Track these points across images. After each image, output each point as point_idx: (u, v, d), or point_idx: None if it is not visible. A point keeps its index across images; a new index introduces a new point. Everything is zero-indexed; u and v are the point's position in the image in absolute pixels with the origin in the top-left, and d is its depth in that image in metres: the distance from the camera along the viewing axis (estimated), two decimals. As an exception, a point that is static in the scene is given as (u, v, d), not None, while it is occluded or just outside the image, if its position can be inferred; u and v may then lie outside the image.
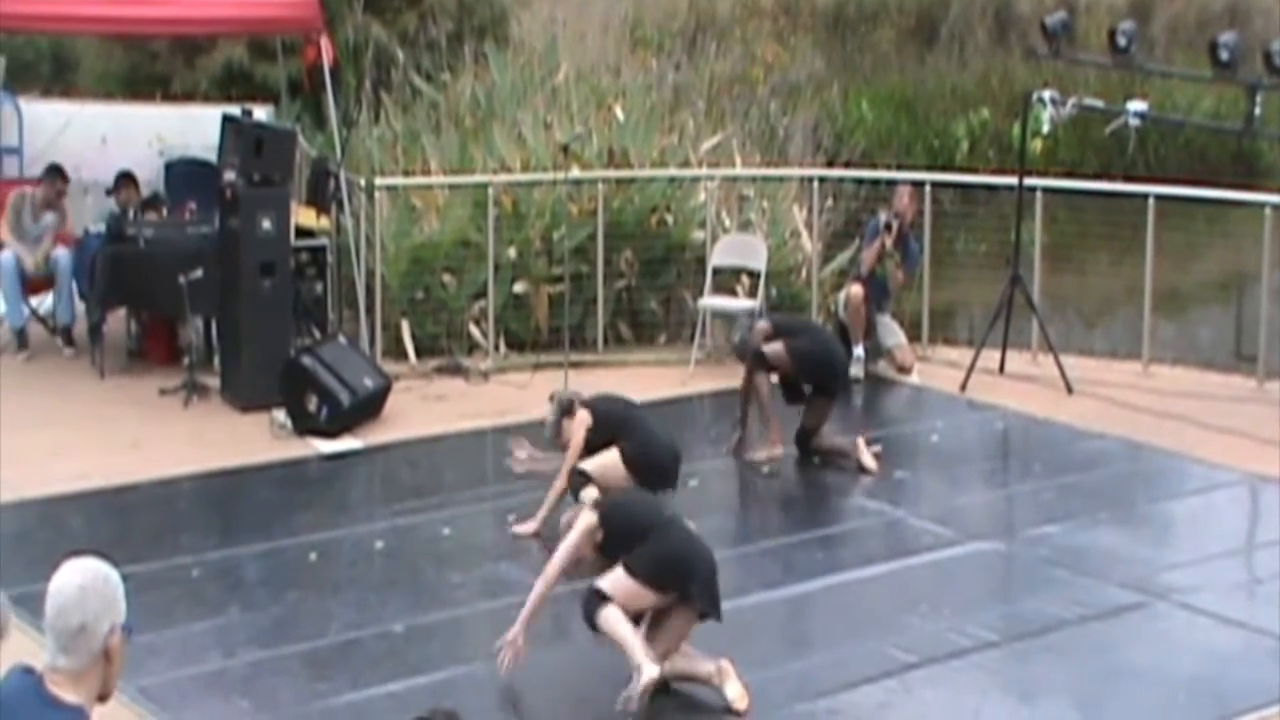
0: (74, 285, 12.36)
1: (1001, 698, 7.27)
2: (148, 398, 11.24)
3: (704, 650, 7.01)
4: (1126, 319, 13.76)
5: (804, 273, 13.45)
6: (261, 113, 13.63)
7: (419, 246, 12.77)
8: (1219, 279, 17.51)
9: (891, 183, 13.19)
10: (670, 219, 13.23)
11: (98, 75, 17.79)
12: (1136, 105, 11.63)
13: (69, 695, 3.49)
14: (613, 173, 13.22)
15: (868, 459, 10.06)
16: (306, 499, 9.72)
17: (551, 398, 11.27)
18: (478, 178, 13.05)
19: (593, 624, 6.82)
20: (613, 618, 6.77)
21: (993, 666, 7.46)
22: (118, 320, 12.33)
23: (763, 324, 10.34)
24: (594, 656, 7.03)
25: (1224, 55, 10.72)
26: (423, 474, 10.17)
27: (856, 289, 12.05)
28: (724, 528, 9.20)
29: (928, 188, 12.79)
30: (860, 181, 14.54)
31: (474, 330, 12.59)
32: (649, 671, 6.69)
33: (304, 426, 10.52)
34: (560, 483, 8.68)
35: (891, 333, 12.31)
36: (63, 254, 12.39)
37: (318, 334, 11.88)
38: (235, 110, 12.40)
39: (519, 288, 12.72)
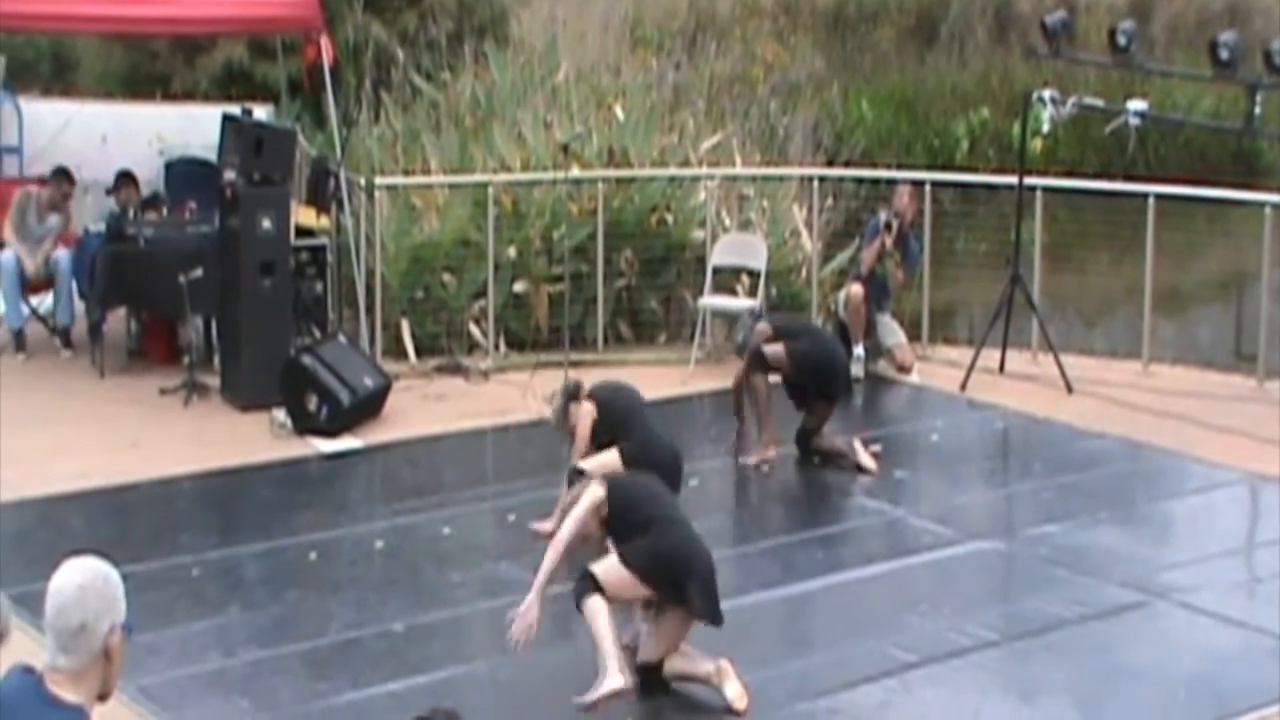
0: (74, 285, 12.36)
1: (1001, 697, 7.27)
2: (148, 397, 11.25)
3: (704, 650, 7.01)
4: (1126, 318, 13.76)
5: (804, 272, 13.46)
6: (261, 112, 13.62)
7: (419, 246, 12.77)
8: (1219, 278, 17.52)
9: (891, 182, 13.19)
10: (670, 218, 13.24)
11: (98, 75, 17.78)
12: (1136, 105, 11.63)
13: (69, 695, 3.49)
14: (613, 172, 13.22)
15: (866, 459, 10.06)
16: (306, 498, 9.72)
17: (550, 398, 11.33)
18: (478, 177, 13.05)
19: (579, 607, 6.83)
20: (597, 612, 6.76)
21: (993, 666, 7.46)
22: (118, 320, 12.33)
23: (763, 325, 10.32)
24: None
25: (1224, 54, 10.72)
26: (423, 473, 10.17)
27: (856, 288, 12.05)
28: (724, 527, 9.21)
29: (928, 187, 12.79)
30: (860, 181, 14.54)
31: (474, 330, 12.59)
32: (613, 681, 6.69)
33: (304, 426, 10.52)
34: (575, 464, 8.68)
35: (891, 332, 12.31)
36: (62, 255, 12.39)
37: (318, 333, 11.87)
38: (235, 110, 12.40)
39: (519, 287, 12.72)
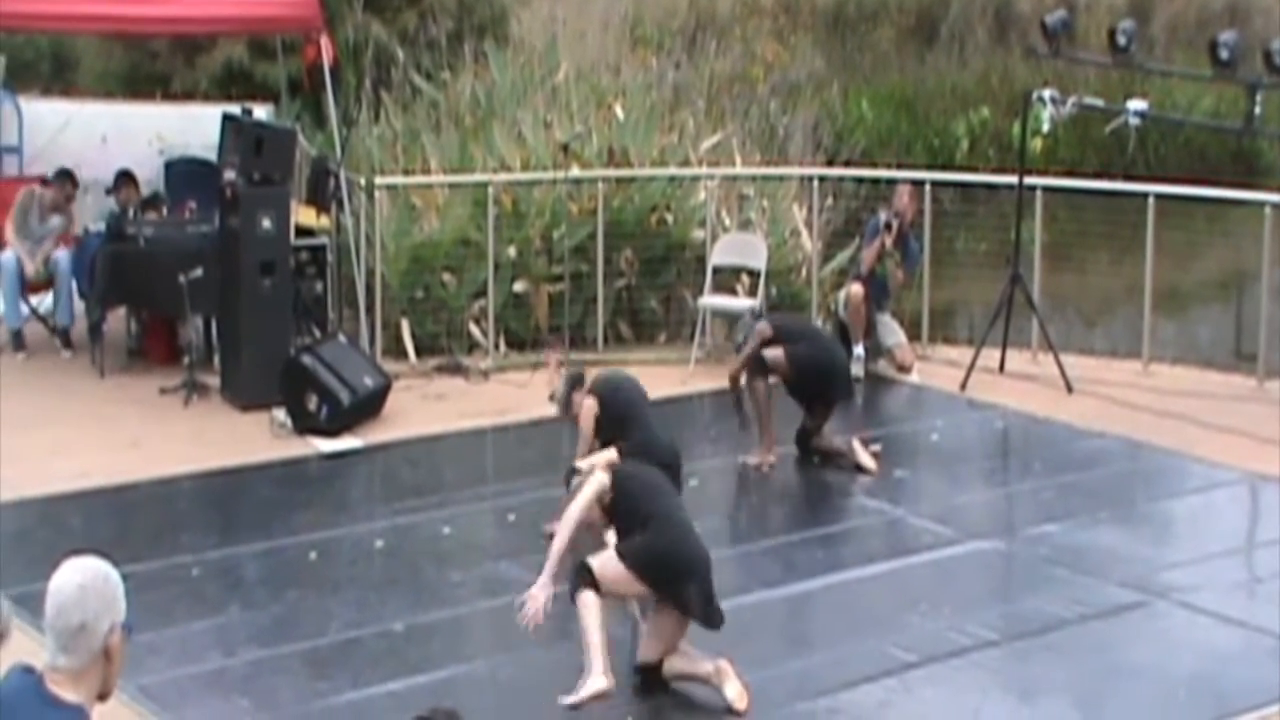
0: (73, 285, 12.36)
1: (1001, 696, 7.27)
2: (148, 397, 11.25)
3: (704, 649, 7.01)
4: (1126, 318, 13.76)
5: (804, 272, 13.46)
6: (261, 112, 13.61)
7: (419, 245, 12.77)
8: (1219, 278, 17.52)
9: (891, 182, 13.19)
10: (670, 218, 13.24)
11: (98, 74, 17.77)
12: (1136, 104, 11.63)
13: (69, 694, 3.49)
14: (613, 172, 13.22)
15: (866, 459, 10.06)
16: (306, 498, 9.72)
17: (551, 398, 11.32)
18: (478, 177, 13.05)
19: (573, 599, 6.83)
20: (588, 607, 6.77)
21: (993, 665, 7.46)
22: (118, 319, 12.33)
23: (763, 325, 10.30)
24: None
25: (1224, 54, 10.72)
26: (423, 473, 10.18)
27: (856, 288, 12.05)
28: (724, 527, 9.22)
29: (928, 187, 12.79)
30: (860, 180, 14.55)
31: (474, 329, 12.59)
32: (596, 683, 6.71)
33: (304, 425, 10.52)
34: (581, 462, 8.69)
35: (891, 332, 12.31)
36: (62, 255, 12.39)
37: (318, 333, 11.87)
38: (235, 109, 12.39)
39: (519, 287, 12.72)
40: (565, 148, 12.19)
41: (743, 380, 10.08)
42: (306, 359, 10.69)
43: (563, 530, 6.94)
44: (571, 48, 16.38)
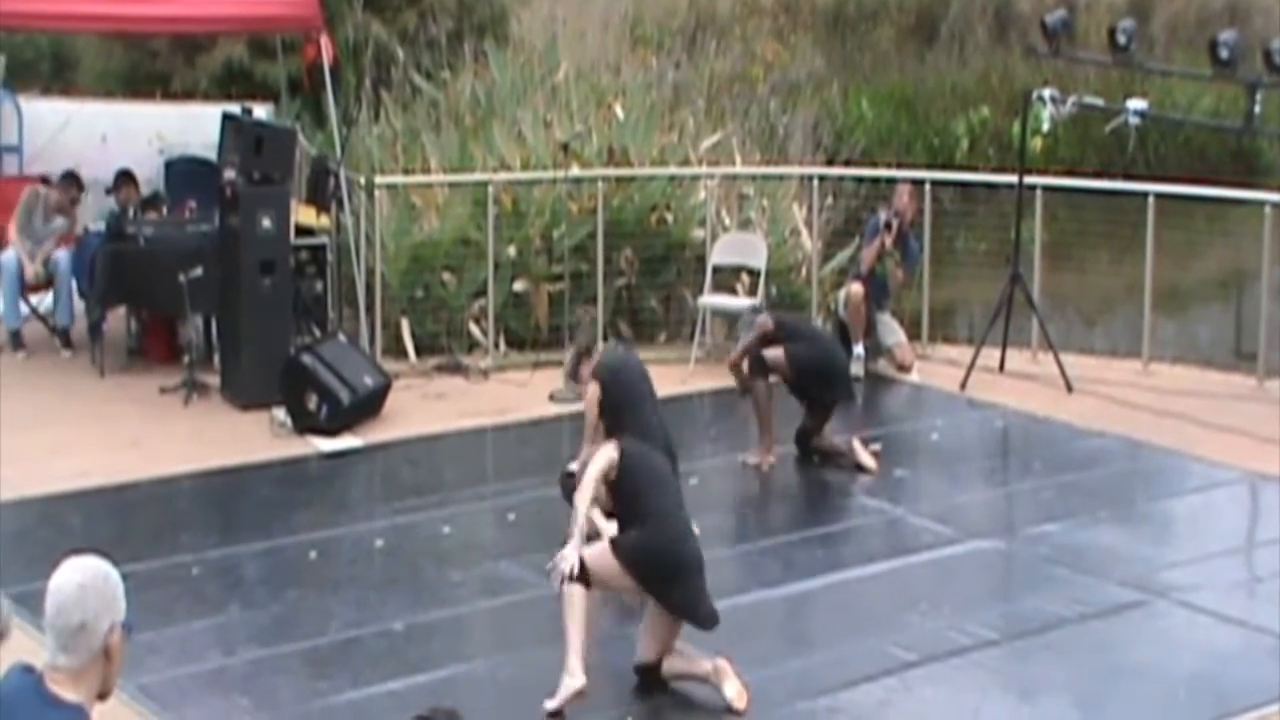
0: (73, 285, 12.37)
1: (1001, 696, 7.27)
2: (148, 396, 11.25)
3: (704, 649, 7.00)
4: (1126, 317, 13.76)
5: (804, 271, 13.46)
6: (261, 111, 13.62)
7: (419, 245, 12.77)
8: (1219, 277, 17.52)
9: (891, 181, 13.19)
10: (670, 217, 13.24)
11: (98, 73, 17.77)
12: (1136, 104, 11.63)
13: (69, 694, 3.49)
14: (613, 171, 13.22)
15: (866, 459, 10.06)
16: (306, 497, 9.72)
17: (552, 397, 11.34)
18: (478, 176, 13.05)
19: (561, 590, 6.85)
20: (573, 601, 6.76)
21: (993, 665, 7.46)
22: (118, 319, 12.33)
23: (765, 318, 10.27)
24: (594, 655, 7.02)
25: (1224, 53, 10.72)
26: (423, 472, 10.17)
27: (856, 287, 12.04)
28: (724, 526, 9.21)
29: (928, 186, 12.79)
30: (860, 180, 14.54)
31: (474, 328, 12.59)
32: (571, 684, 6.70)
33: (304, 425, 10.52)
34: (586, 450, 8.72)
35: (891, 331, 12.31)
36: (62, 256, 12.39)
37: (318, 332, 11.87)
38: (235, 109, 12.40)
39: (519, 286, 12.72)
40: (565, 147, 12.19)
41: (744, 366, 10.07)
42: (306, 358, 10.69)
43: (583, 493, 6.91)
44: (571, 47, 16.38)
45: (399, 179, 13.26)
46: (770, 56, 20.48)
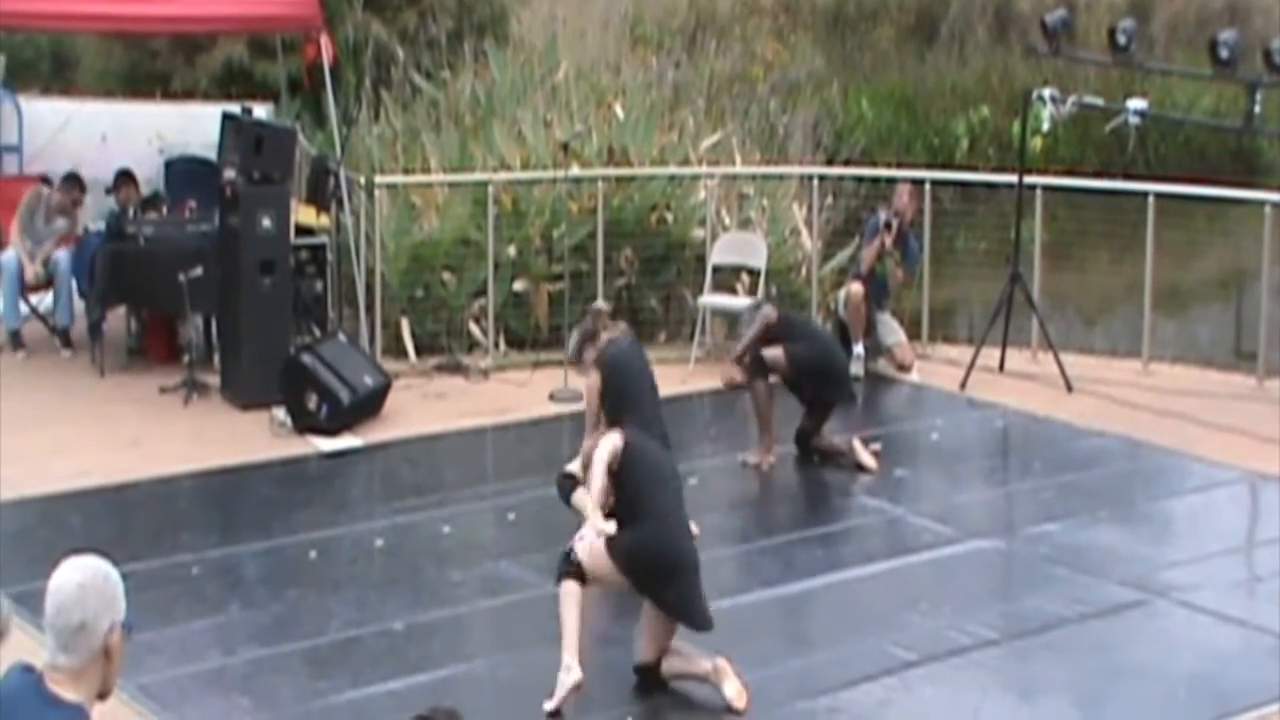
0: (73, 285, 12.36)
1: (1001, 695, 7.27)
2: (148, 396, 11.25)
3: (703, 648, 7.00)
4: (1126, 317, 13.76)
5: (804, 271, 13.46)
6: (261, 111, 13.61)
7: (419, 244, 12.77)
8: (1219, 277, 17.52)
9: (891, 181, 13.18)
10: (670, 217, 13.24)
11: (97, 73, 17.78)
12: (1136, 103, 11.63)
13: (69, 693, 3.49)
14: (613, 171, 13.22)
15: (866, 458, 10.06)
16: (306, 497, 9.72)
17: (552, 397, 11.34)
18: (478, 176, 13.05)
19: (557, 585, 6.85)
20: (569, 596, 6.78)
21: (993, 664, 7.46)
22: (118, 318, 12.33)
23: (769, 310, 10.24)
24: (594, 654, 7.03)
25: (1224, 53, 10.72)
26: (423, 472, 10.18)
27: (856, 287, 12.04)
28: (724, 526, 9.21)
29: (927, 186, 12.79)
30: (860, 179, 14.54)
31: (474, 328, 12.59)
32: (566, 679, 6.70)
33: (304, 424, 10.52)
34: (587, 442, 8.73)
35: (891, 331, 12.30)
36: (62, 256, 12.39)
37: (317, 332, 11.87)
38: (235, 108, 12.39)
39: (519, 286, 12.72)
40: (565, 147, 12.19)
41: (748, 359, 10.05)
42: (306, 358, 10.69)
43: (595, 477, 6.91)
44: (571, 47, 16.38)
45: (399, 179, 13.26)
46: (770, 56, 20.49)
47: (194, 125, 14.10)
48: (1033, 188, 12.44)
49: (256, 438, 10.47)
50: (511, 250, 12.70)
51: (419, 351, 12.37)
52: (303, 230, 12.19)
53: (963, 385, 11.77)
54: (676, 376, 11.85)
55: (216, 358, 11.63)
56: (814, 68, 21.20)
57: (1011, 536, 9.16)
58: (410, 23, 16.79)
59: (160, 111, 15.20)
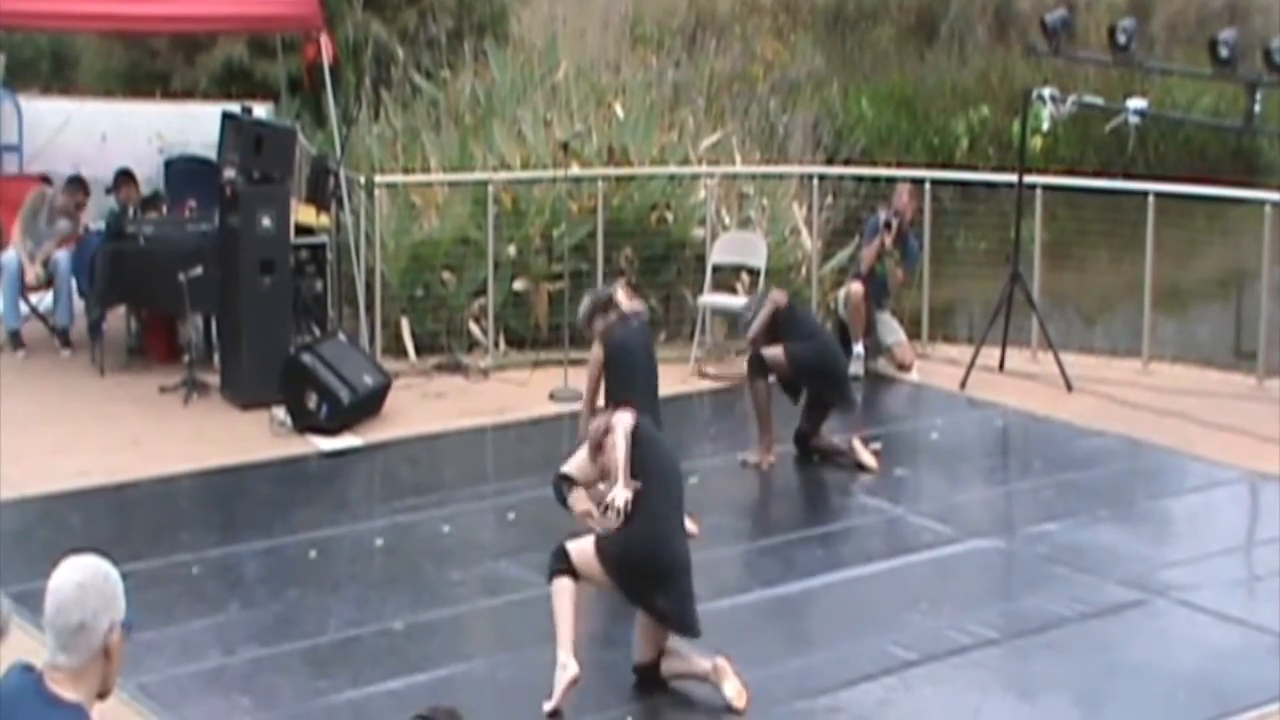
0: (73, 285, 12.37)
1: (1001, 695, 7.27)
2: (148, 395, 11.25)
3: (703, 648, 7.00)
4: (1126, 316, 13.76)
5: (804, 270, 13.46)
6: (261, 110, 13.62)
7: (419, 244, 12.77)
8: (1219, 276, 17.52)
9: (891, 180, 13.19)
10: (670, 216, 13.24)
11: (97, 73, 17.77)
12: (1136, 103, 11.63)
13: (69, 693, 3.49)
14: (612, 170, 13.22)
15: (866, 457, 10.05)
16: (306, 496, 9.73)
17: (552, 396, 11.35)
18: (477, 175, 13.05)
19: (549, 582, 6.86)
20: (561, 592, 6.78)
21: (993, 664, 7.46)
22: (117, 318, 12.33)
23: (779, 294, 10.21)
24: (594, 654, 7.03)
25: (1224, 52, 10.72)
26: (422, 471, 10.18)
27: (856, 287, 12.04)
28: (724, 525, 9.20)
29: (927, 185, 12.79)
30: (860, 179, 14.55)
31: (474, 328, 12.59)
32: (563, 676, 6.70)
33: (304, 424, 10.52)
34: (584, 409, 8.86)
35: (891, 330, 12.30)
36: (62, 256, 12.39)
37: (317, 331, 11.87)
38: (235, 108, 12.40)
39: (519, 285, 12.72)
40: (565, 146, 12.19)
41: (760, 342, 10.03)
42: (306, 357, 10.69)
43: (619, 443, 6.85)
44: (571, 46, 16.38)
45: (399, 178, 13.26)
46: (770, 55, 20.49)
47: (194, 125, 14.10)
48: (1033, 187, 12.44)
49: (256, 437, 10.47)
50: (511, 250, 12.70)
51: (419, 351, 12.37)
52: (303, 230, 12.19)
53: (963, 385, 11.77)
54: (676, 376, 11.85)
55: (216, 357, 11.63)
56: (814, 67, 21.20)
57: (1011, 536, 9.16)
58: (410, 22, 16.78)
59: (160, 111, 15.20)
